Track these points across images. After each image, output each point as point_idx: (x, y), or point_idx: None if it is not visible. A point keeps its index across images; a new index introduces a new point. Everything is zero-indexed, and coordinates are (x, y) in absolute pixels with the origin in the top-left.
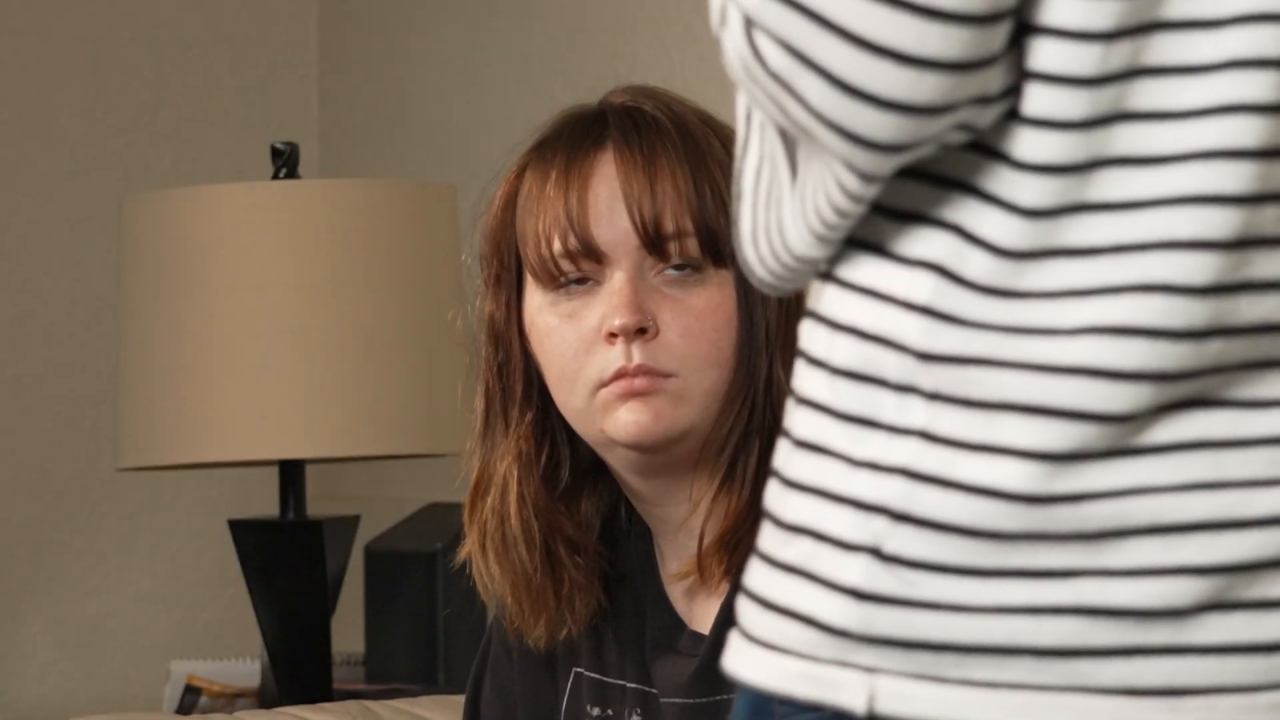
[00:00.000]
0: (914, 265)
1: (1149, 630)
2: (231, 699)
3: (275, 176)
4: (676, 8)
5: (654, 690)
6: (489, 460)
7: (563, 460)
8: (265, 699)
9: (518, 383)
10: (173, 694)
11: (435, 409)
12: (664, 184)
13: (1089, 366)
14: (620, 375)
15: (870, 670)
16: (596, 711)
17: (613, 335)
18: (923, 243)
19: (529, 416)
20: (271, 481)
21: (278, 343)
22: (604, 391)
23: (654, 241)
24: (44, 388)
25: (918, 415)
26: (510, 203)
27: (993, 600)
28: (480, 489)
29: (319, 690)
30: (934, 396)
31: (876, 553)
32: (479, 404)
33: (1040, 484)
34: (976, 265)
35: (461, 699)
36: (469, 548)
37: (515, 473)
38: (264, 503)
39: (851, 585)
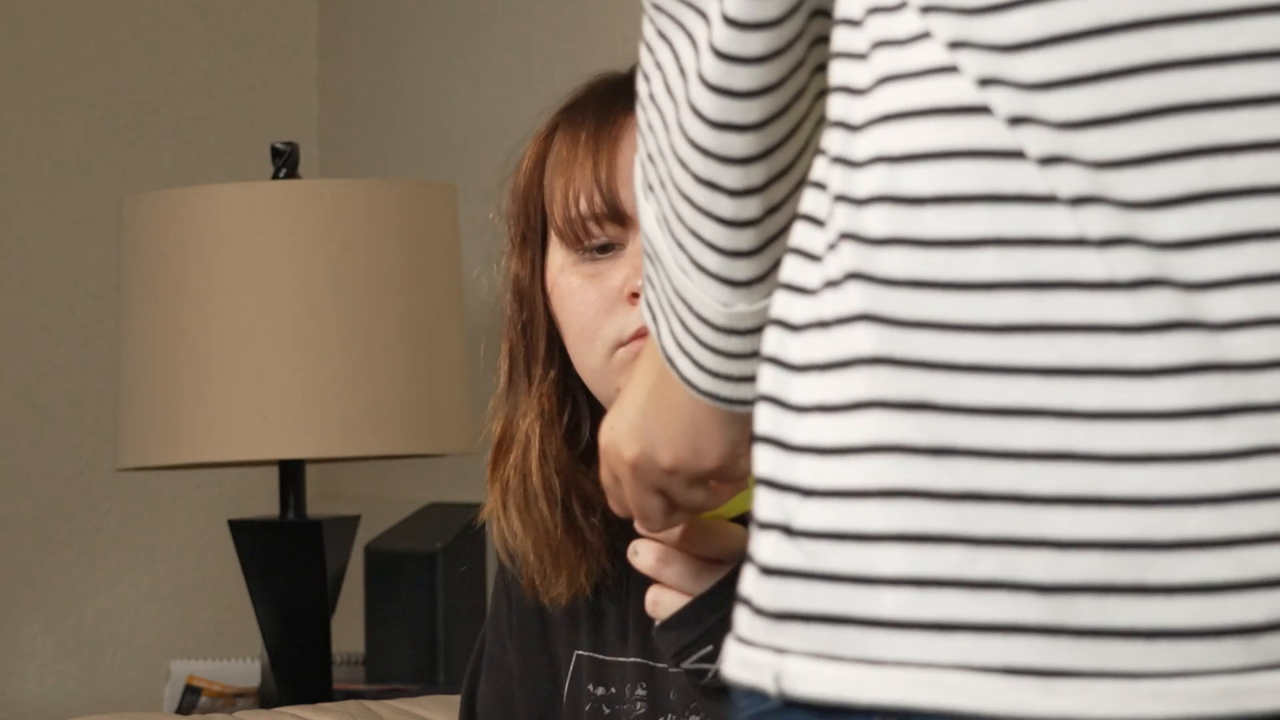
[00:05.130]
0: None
1: (1023, 606)
2: (231, 699)
3: (275, 176)
4: None
5: (658, 664)
6: (512, 418)
7: (584, 420)
8: (265, 699)
9: (541, 341)
10: (173, 694)
11: (435, 409)
12: None
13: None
14: (640, 335)
15: (780, 651)
16: (601, 691)
17: (635, 295)
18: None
19: (551, 375)
20: (271, 481)
21: (278, 343)
22: (622, 350)
23: None
24: (44, 388)
25: (813, 390)
26: (539, 163)
27: (880, 570)
28: (503, 447)
29: (319, 690)
30: (823, 366)
31: (786, 529)
32: (503, 362)
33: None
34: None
35: None
36: (490, 505)
37: (538, 430)
38: (264, 503)
39: (763, 562)
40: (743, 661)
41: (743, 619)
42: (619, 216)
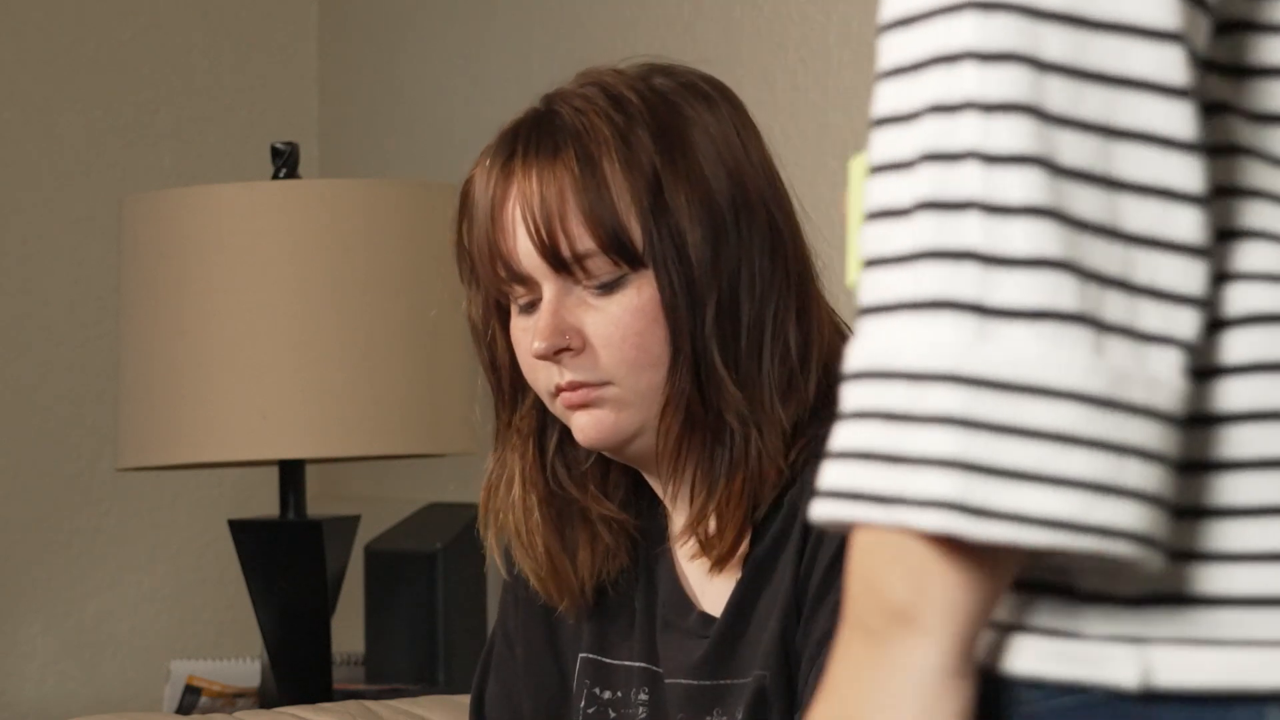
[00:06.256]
0: None
1: None
2: (231, 699)
3: (275, 176)
4: (677, 8)
5: (660, 670)
6: (501, 454)
7: (566, 440)
8: (265, 699)
9: (505, 379)
10: (173, 694)
11: (435, 409)
12: (554, 203)
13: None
14: (559, 390)
15: (1139, 640)
16: (607, 694)
17: (539, 357)
18: None
19: (527, 401)
20: (271, 481)
21: (278, 343)
22: (557, 400)
23: (561, 264)
24: (44, 388)
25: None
26: (464, 213)
27: (1264, 545)
28: (493, 482)
29: (319, 690)
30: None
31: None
32: (487, 394)
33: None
34: None
35: (461, 698)
36: (490, 537)
37: (519, 460)
38: (264, 503)
39: None
40: (1058, 654)
41: (1048, 607)
42: (521, 279)
